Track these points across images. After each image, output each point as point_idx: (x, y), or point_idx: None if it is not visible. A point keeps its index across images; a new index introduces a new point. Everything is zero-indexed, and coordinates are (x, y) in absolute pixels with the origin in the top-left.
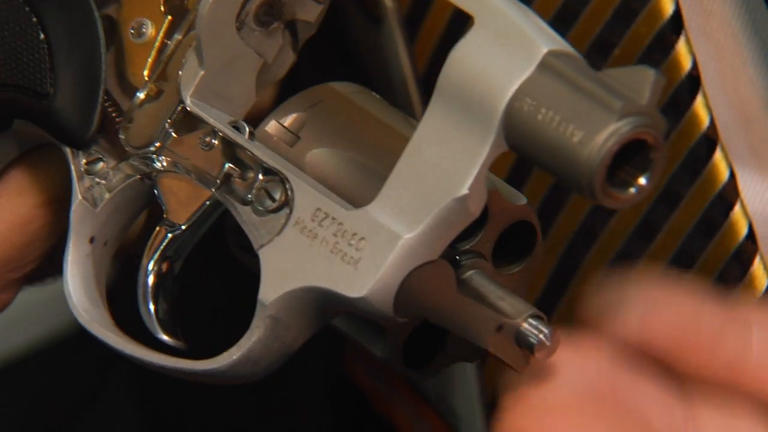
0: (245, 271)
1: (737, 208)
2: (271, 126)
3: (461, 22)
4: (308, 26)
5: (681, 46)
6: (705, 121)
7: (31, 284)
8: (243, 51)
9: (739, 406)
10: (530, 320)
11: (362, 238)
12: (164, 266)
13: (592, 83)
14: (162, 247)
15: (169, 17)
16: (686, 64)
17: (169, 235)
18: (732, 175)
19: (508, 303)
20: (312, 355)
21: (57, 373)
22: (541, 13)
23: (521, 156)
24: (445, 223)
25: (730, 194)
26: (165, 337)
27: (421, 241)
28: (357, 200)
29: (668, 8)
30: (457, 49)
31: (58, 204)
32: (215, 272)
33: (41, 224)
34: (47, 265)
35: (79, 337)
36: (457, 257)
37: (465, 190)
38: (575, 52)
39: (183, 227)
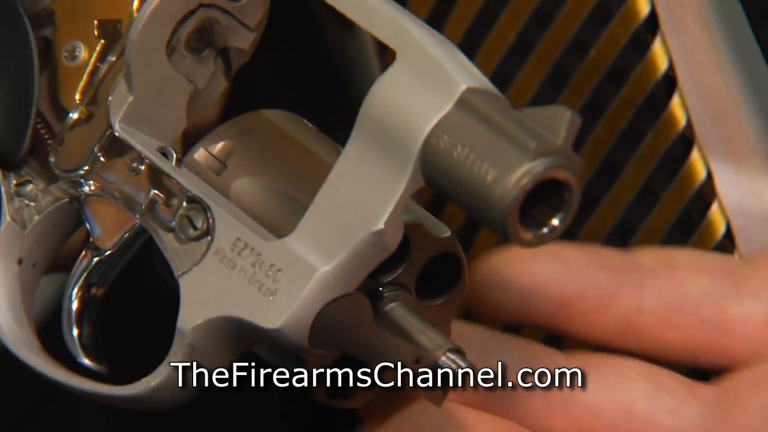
0: (173, 297)
1: (714, 206)
2: (200, 153)
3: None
4: (241, 54)
5: (657, 47)
6: (682, 121)
7: None
8: (173, 77)
9: (627, 366)
10: (449, 354)
11: (279, 270)
12: (89, 291)
13: (508, 122)
14: (87, 272)
15: (102, 41)
16: (662, 65)
17: (95, 260)
18: (709, 175)
19: (428, 336)
20: None
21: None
22: (517, 14)
23: (438, 192)
24: (362, 257)
25: (707, 193)
26: (87, 362)
27: (336, 275)
28: (280, 231)
29: (644, 9)
30: (378, 83)
31: None
32: (143, 297)
33: None
34: None
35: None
36: (380, 289)
37: (381, 225)
38: (495, 89)
39: (108, 252)
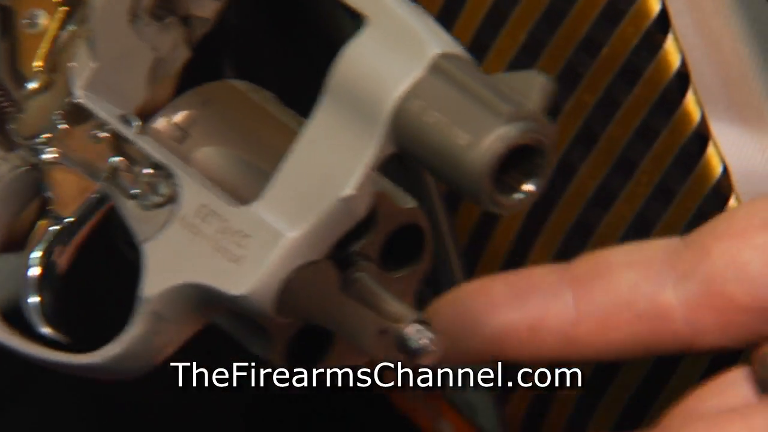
0: (133, 266)
1: (732, 201)
2: (161, 122)
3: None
4: (204, 22)
5: (669, 45)
6: (696, 117)
7: None
8: (136, 44)
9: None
10: (414, 325)
11: (246, 236)
12: (50, 258)
13: (481, 87)
14: (47, 240)
15: (64, 8)
16: (675, 62)
17: (55, 227)
18: (725, 170)
19: (393, 307)
20: None
21: None
22: (528, 13)
23: (409, 158)
24: (330, 223)
25: (724, 188)
26: (47, 330)
27: (304, 241)
28: (244, 199)
29: (655, 7)
30: (348, 47)
31: None
32: (104, 266)
33: None
34: None
35: None
36: (344, 258)
37: (350, 191)
38: (467, 54)
39: (69, 219)
